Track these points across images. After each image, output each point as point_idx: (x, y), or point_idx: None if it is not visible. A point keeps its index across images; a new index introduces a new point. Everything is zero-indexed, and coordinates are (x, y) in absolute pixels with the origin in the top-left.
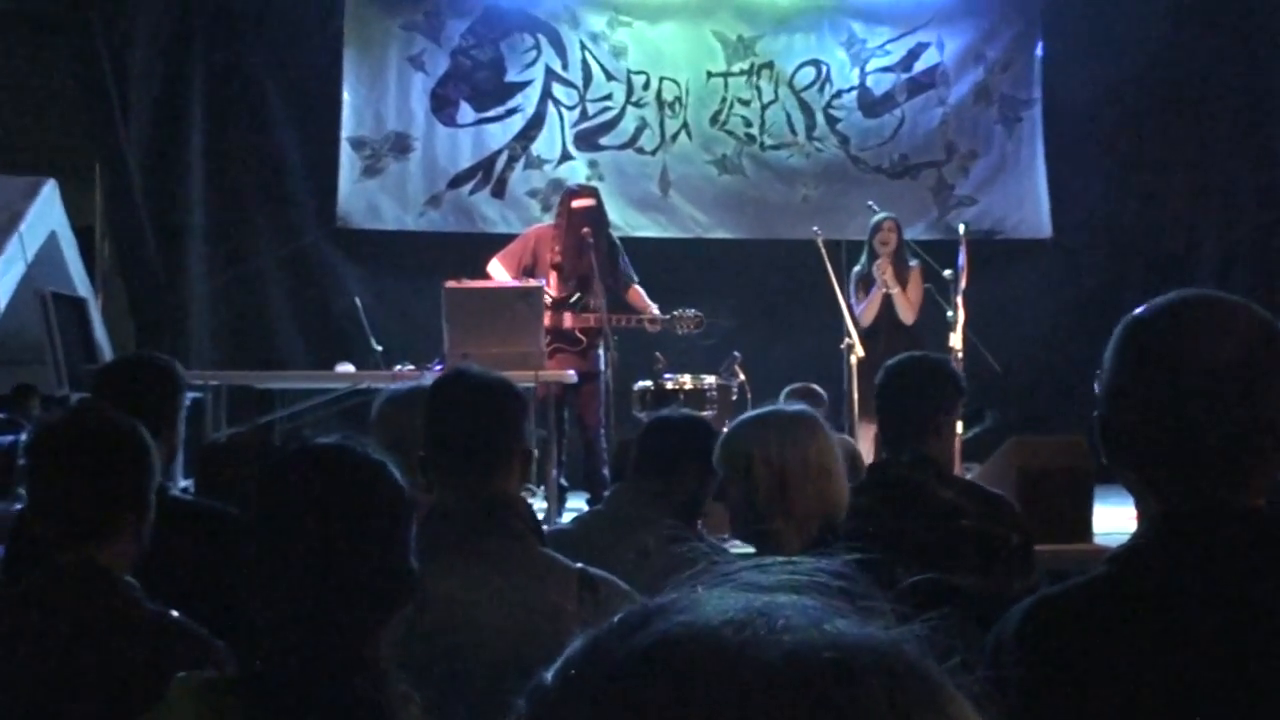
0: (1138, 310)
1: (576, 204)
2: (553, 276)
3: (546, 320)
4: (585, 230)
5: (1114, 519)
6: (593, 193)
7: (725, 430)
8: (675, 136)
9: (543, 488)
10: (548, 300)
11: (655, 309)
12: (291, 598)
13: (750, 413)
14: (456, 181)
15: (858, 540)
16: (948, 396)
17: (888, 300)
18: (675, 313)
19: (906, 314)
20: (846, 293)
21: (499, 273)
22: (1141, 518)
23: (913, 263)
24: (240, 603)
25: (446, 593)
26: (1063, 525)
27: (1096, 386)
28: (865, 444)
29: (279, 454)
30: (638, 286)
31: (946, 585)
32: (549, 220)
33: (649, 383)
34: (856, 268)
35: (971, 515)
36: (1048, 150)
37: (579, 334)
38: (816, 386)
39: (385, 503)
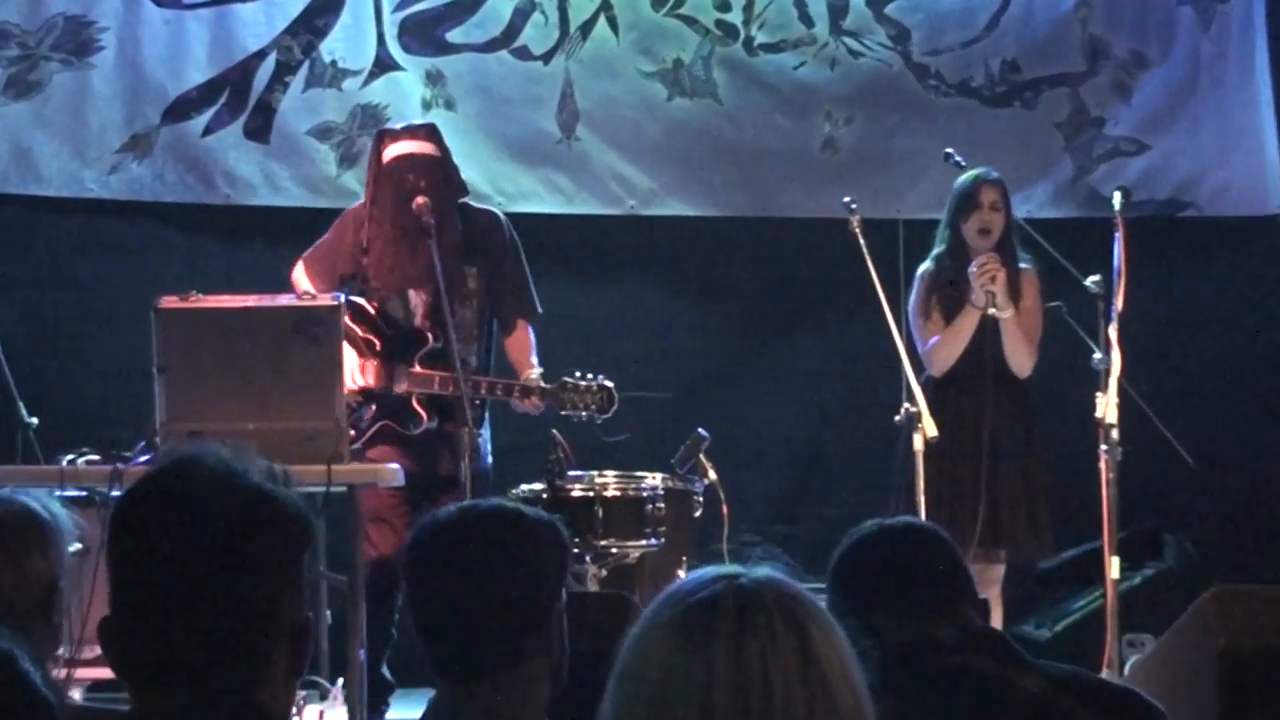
0: None
1: (394, 151)
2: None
3: (359, 374)
4: (419, 202)
5: None
6: (426, 133)
7: (639, 635)
8: (588, 30)
9: (340, 683)
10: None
11: (535, 368)
12: None
13: (664, 605)
14: (179, 110)
15: None
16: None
17: (989, 328)
18: (566, 380)
19: (1022, 356)
20: (904, 316)
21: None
22: None
23: (1024, 264)
24: None
25: None
26: None
27: None
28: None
29: None
30: (530, 328)
31: None
32: (364, 192)
33: (539, 486)
34: (925, 264)
35: None
36: (1275, 59)
37: (416, 405)
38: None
39: None
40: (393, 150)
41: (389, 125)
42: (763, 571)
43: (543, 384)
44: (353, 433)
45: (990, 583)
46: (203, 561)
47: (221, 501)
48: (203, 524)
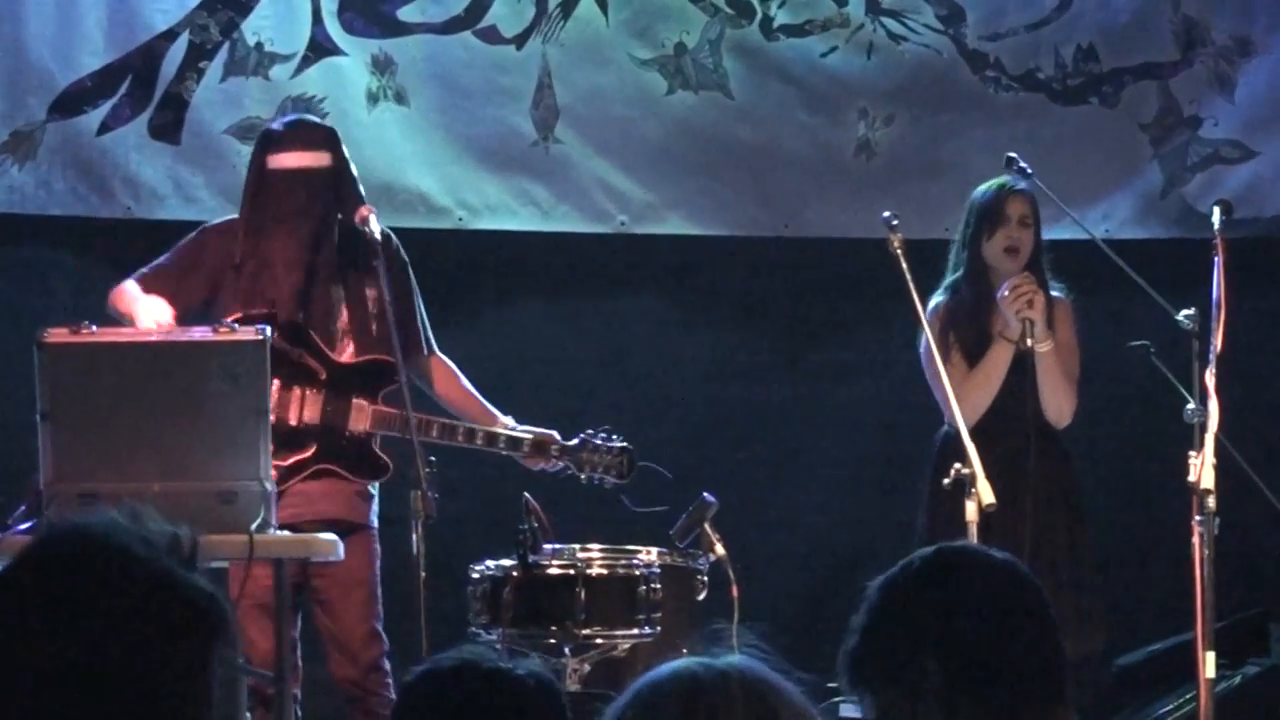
0: None
1: (280, 162)
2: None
3: (287, 407)
4: (363, 213)
5: None
6: (321, 138)
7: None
8: (570, 7)
9: None
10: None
11: (504, 418)
12: None
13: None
14: (69, 102)
15: None
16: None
17: (1025, 369)
18: (585, 439)
19: (1063, 399)
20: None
21: (139, 310)
22: None
23: (1056, 292)
24: None
25: None
26: None
27: None
28: None
29: None
30: (444, 358)
31: None
32: None
33: (509, 563)
34: (936, 296)
35: None
36: None
37: (378, 451)
38: None
39: None
40: (279, 161)
41: (273, 124)
42: (732, 658)
43: (561, 440)
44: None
45: None
46: (87, 659)
47: (114, 585)
48: (87, 613)
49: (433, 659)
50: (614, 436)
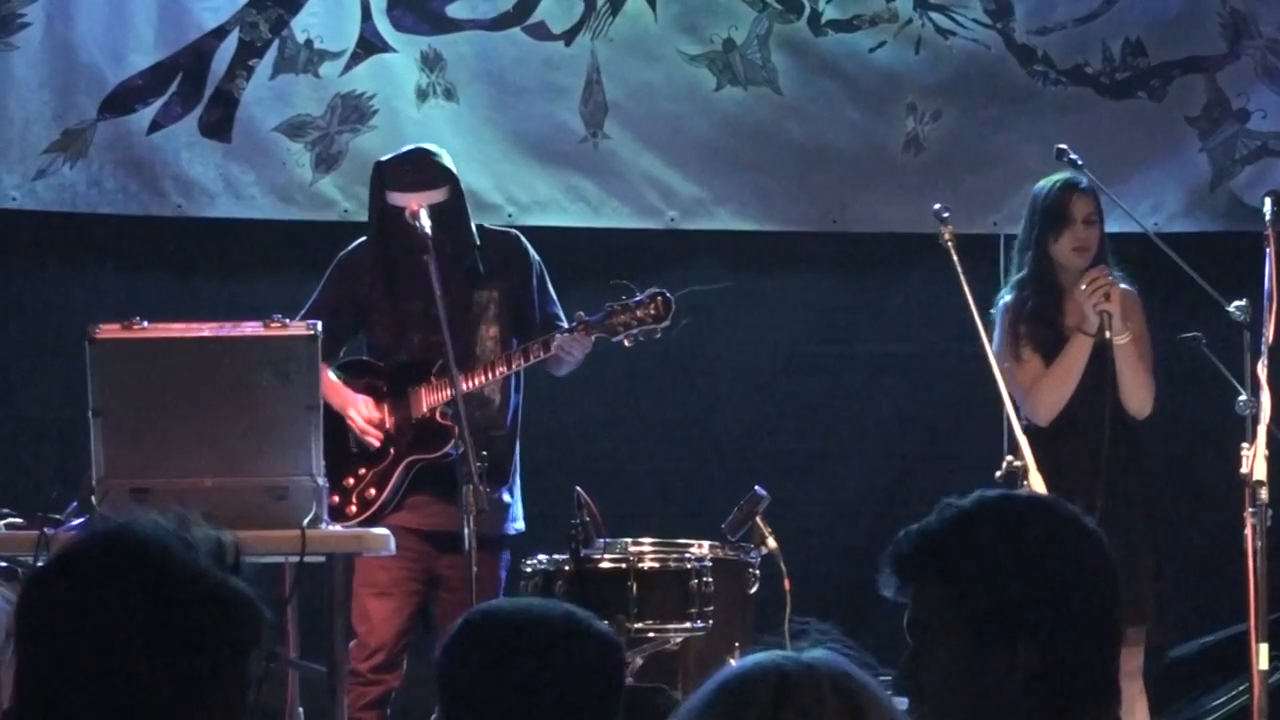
0: None
1: (395, 199)
2: (383, 333)
3: (380, 415)
4: (412, 208)
5: None
6: (434, 174)
7: None
8: (619, 3)
9: None
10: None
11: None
12: None
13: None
14: (120, 100)
15: None
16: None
17: (1103, 362)
18: (611, 305)
19: (1144, 390)
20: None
21: (348, 411)
22: None
23: (1123, 284)
24: None
25: None
26: None
27: None
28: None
29: None
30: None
31: None
32: (345, 202)
33: (561, 557)
34: (1003, 295)
35: None
36: None
37: (440, 420)
38: None
39: None
40: (396, 199)
41: (387, 157)
42: (817, 654)
43: (585, 316)
44: (372, 491)
45: (1129, 675)
46: (122, 656)
47: (151, 586)
48: (126, 611)
49: (490, 603)
50: (636, 290)
